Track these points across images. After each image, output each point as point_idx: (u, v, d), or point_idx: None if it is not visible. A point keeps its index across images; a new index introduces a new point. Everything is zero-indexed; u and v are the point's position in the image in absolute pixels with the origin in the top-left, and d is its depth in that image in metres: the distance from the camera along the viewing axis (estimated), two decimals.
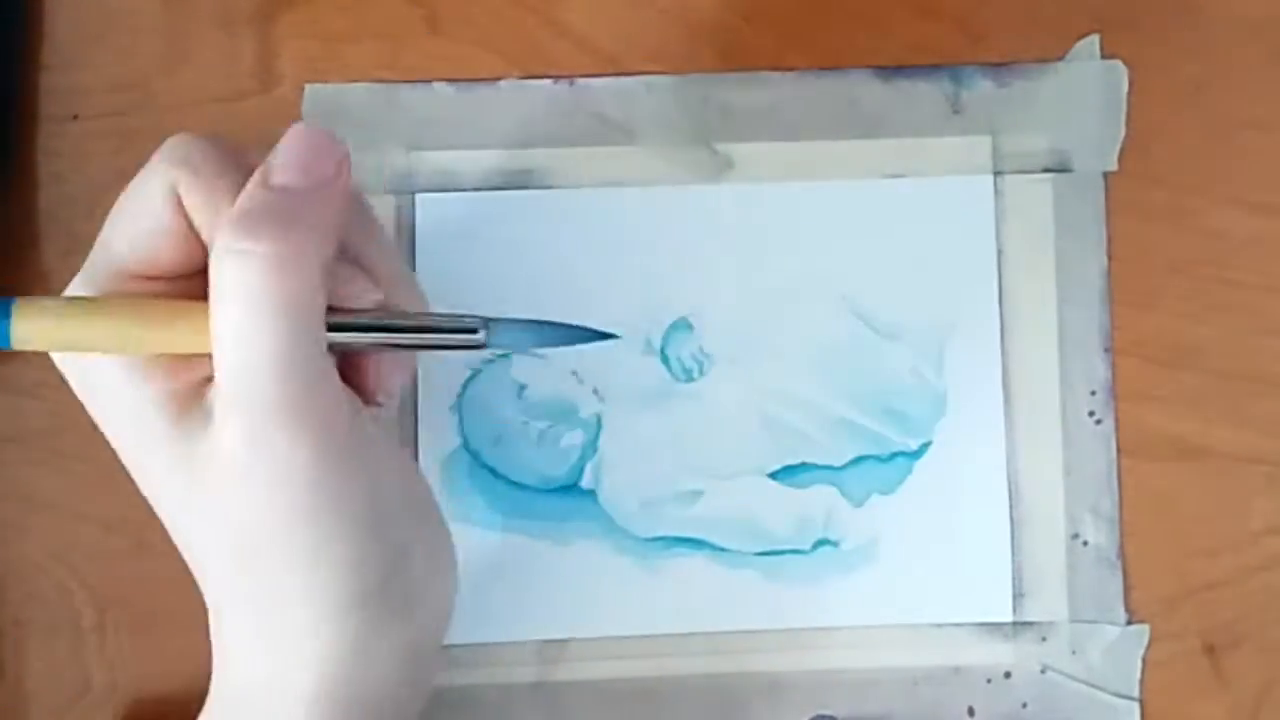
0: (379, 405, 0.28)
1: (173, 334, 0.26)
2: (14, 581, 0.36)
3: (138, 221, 0.27)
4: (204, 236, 0.27)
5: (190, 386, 0.27)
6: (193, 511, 0.27)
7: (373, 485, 0.27)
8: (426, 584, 0.28)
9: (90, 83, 0.37)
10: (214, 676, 0.28)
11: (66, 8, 0.37)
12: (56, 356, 0.28)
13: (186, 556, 0.28)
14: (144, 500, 0.36)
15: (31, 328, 0.26)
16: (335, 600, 0.26)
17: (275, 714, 0.27)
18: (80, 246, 0.36)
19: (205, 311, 0.26)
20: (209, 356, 0.26)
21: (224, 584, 0.27)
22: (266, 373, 0.25)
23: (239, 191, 0.26)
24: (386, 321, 0.28)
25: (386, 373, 0.28)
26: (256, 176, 0.26)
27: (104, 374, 0.27)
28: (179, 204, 0.27)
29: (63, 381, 0.36)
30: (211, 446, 0.26)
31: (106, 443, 0.36)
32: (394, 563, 0.27)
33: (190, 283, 0.27)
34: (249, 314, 0.25)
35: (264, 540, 0.26)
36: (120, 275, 0.27)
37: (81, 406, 0.35)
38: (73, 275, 0.36)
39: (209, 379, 0.26)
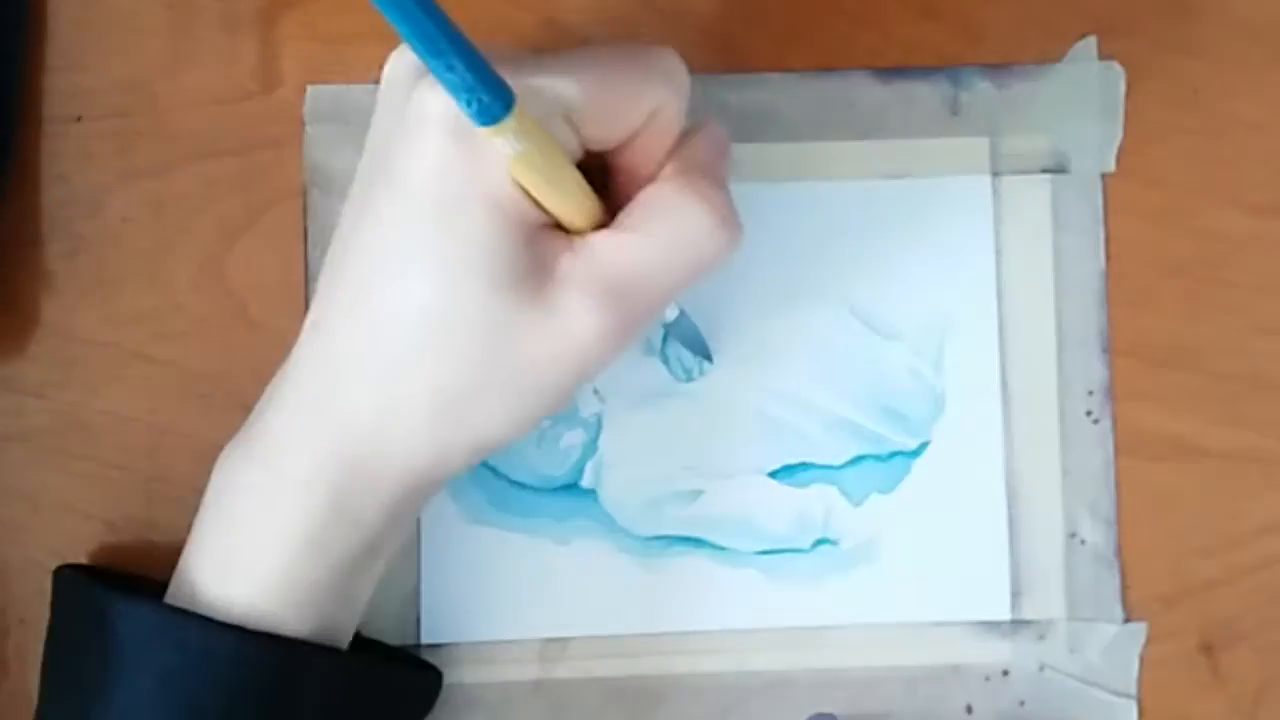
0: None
1: (581, 206, 0.29)
2: (18, 580, 0.36)
3: (614, 103, 0.29)
4: (656, 146, 0.30)
5: (542, 230, 0.29)
6: (486, 310, 0.28)
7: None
8: None
9: (93, 84, 0.37)
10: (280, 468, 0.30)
11: (69, 8, 0.37)
12: (442, 134, 0.28)
13: (381, 329, 0.29)
14: (146, 500, 0.36)
15: (517, 127, 0.26)
16: (497, 442, 0.30)
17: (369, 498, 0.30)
18: (83, 247, 0.37)
19: (599, 203, 0.30)
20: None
21: (430, 378, 0.29)
22: (651, 298, 0.29)
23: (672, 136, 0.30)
24: None
25: None
26: (708, 151, 0.31)
27: (499, 174, 0.28)
28: (654, 115, 0.29)
29: (68, 382, 0.36)
30: (546, 298, 0.28)
31: (110, 442, 0.36)
32: None
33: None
34: (683, 252, 0.29)
35: (523, 385, 0.29)
36: (557, 117, 0.28)
37: (84, 407, 0.36)
38: (76, 276, 0.36)
39: (552, 233, 0.29)
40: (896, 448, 0.37)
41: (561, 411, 0.31)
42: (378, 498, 0.30)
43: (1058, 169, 0.37)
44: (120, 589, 0.31)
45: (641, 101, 0.29)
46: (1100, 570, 0.37)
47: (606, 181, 0.30)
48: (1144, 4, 0.38)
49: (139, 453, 0.36)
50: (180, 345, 0.36)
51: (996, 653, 0.36)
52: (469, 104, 0.25)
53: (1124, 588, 0.37)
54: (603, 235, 0.29)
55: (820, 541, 0.37)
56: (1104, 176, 0.37)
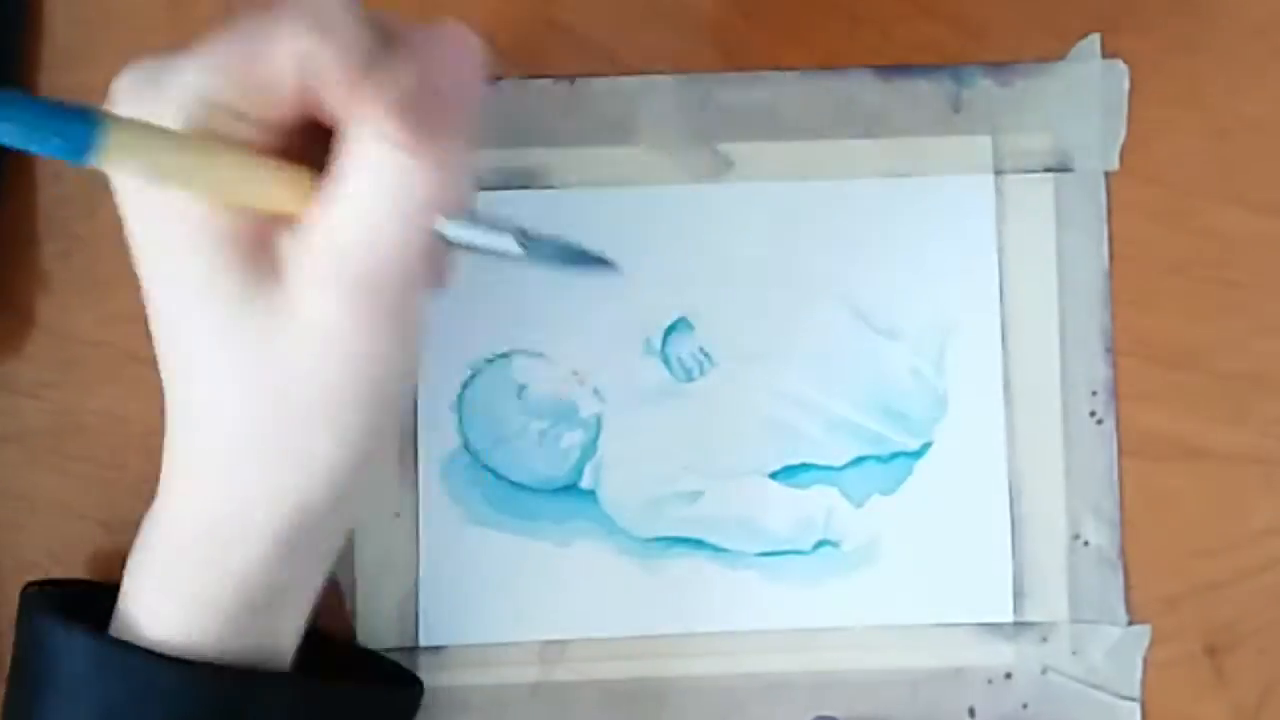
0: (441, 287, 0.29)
1: (271, 191, 0.26)
2: (12, 581, 0.36)
3: (251, 70, 0.26)
4: (327, 98, 0.26)
5: (258, 230, 0.27)
6: (228, 348, 0.27)
7: (413, 363, 0.29)
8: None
9: (90, 82, 0.36)
10: (159, 514, 0.29)
11: (67, 6, 0.37)
12: (117, 177, 0.27)
13: (179, 384, 0.28)
14: (142, 502, 0.36)
15: (127, 145, 0.24)
16: (348, 460, 0.28)
17: (239, 544, 0.28)
18: (79, 247, 0.36)
19: (307, 181, 0.26)
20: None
21: (233, 422, 0.27)
22: (385, 264, 0.26)
23: (373, 62, 0.26)
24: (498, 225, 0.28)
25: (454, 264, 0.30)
26: (414, 68, 0.26)
27: (171, 199, 0.26)
28: (305, 68, 0.26)
29: (63, 382, 0.36)
30: (284, 302, 0.26)
31: (105, 442, 0.36)
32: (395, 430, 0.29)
33: (271, 129, 0.27)
34: (389, 205, 0.25)
35: (310, 398, 0.27)
36: (208, 105, 0.26)
37: (80, 407, 0.36)
38: (72, 276, 0.36)
39: (274, 226, 0.27)
40: (898, 448, 0.37)
41: (390, 422, 0.29)
42: (245, 548, 0.28)
43: (1061, 167, 0.37)
44: (74, 611, 0.30)
45: (277, 58, 0.25)
46: (1104, 572, 0.37)
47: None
48: (1147, 2, 0.37)
49: (134, 453, 0.36)
50: None
51: (999, 655, 0.36)
52: (48, 149, 0.23)
53: (1127, 589, 0.37)
54: (313, 213, 0.26)
55: (821, 543, 0.36)
56: (1107, 175, 0.37)
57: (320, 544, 0.30)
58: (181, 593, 0.29)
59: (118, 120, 0.24)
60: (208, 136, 0.26)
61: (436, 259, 0.28)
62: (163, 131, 0.25)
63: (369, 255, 0.26)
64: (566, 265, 0.30)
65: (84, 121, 0.24)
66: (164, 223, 0.26)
